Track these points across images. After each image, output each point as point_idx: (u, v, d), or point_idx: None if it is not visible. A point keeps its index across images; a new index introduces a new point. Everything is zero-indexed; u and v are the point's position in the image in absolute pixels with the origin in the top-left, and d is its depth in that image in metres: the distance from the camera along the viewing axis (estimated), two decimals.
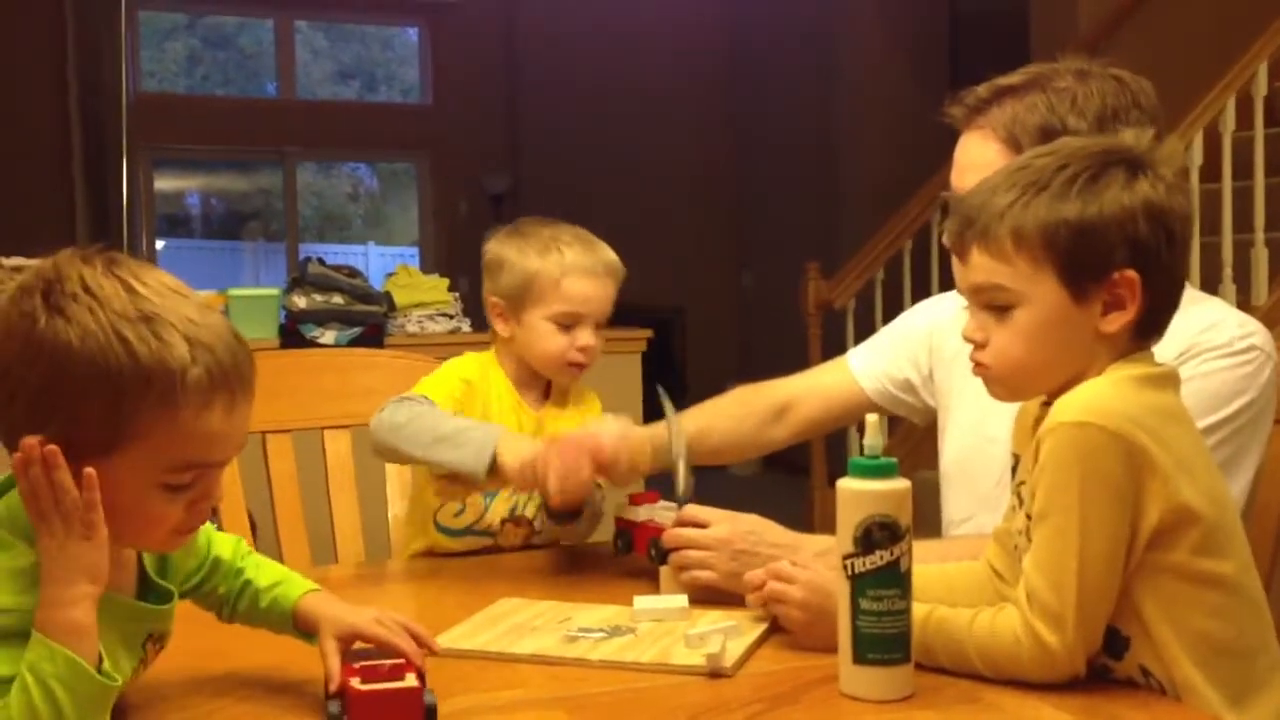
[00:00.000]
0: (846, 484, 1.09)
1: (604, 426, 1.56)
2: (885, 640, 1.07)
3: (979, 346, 1.15)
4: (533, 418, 1.75)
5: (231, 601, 1.11)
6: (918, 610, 1.10)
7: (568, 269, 1.70)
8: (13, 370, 0.87)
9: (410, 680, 0.98)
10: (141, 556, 1.00)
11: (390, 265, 6.26)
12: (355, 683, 0.97)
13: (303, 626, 1.08)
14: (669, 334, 7.10)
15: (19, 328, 0.87)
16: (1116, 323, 1.10)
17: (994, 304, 1.12)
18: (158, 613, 1.00)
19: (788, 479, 5.58)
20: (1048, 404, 1.12)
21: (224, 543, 1.12)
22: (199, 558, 1.09)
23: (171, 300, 0.89)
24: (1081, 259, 1.08)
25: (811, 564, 1.22)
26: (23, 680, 0.85)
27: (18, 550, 0.89)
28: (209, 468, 0.92)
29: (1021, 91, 1.41)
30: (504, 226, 1.83)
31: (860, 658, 1.08)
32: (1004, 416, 1.52)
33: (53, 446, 0.86)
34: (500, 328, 1.75)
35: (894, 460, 1.09)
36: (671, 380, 3.31)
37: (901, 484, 1.08)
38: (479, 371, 1.74)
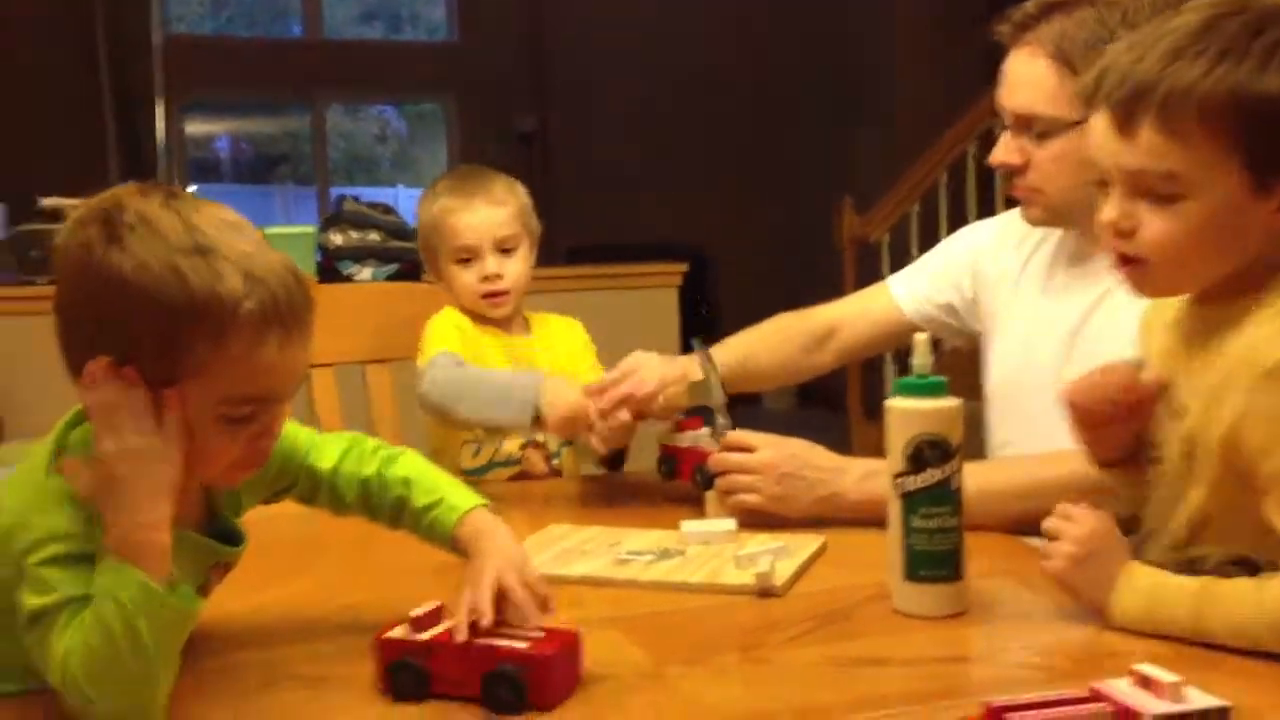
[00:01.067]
0: (895, 403, 1.09)
1: (643, 370, 1.57)
2: (937, 557, 1.08)
3: (1123, 235, 1.02)
4: (522, 343, 1.81)
5: (387, 515, 1.08)
6: (1190, 584, 0.98)
7: (443, 209, 1.79)
8: (74, 301, 0.89)
9: (434, 630, 0.92)
10: (210, 494, 1.00)
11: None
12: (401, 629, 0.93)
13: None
14: (699, 271, 7.07)
15: (77, 258, 0.88)
16: None
17: (1156, 191, 0.99)
18: (224, 552, 1.00)
19: (824, 413, 5.58)
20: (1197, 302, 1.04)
21: (328, 453, 1.08)
22: (291, 474, 1.07)
23: (228, 235, 0.89)
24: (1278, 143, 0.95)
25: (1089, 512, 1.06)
26: (98, 606, 0.84)
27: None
28: (266, 402, 0.92)
29: (1070, 6, 1.39)
30: None
31: (912, 575, 1.08)
32: (1049, 341, 1.52)
33: (129, 368, 0.87)
34: (434, 284, 1.86)
35: (943, 379, 1.09)
36: (702, 318, 3.29)
37: (951, 402, 1.08)
38: (456, 319, 1.79)
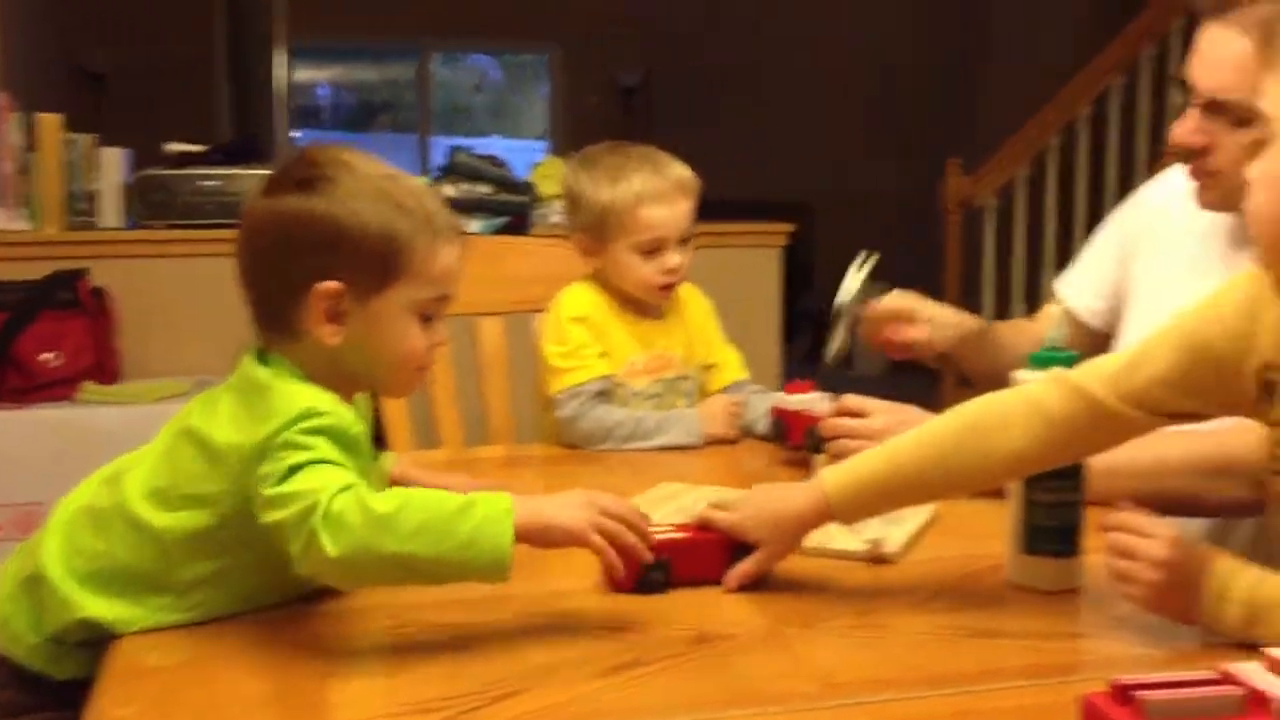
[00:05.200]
0: (1024, 376, 1.08)
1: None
2: (1056, 532, 1.08)
3: None
4: (654, 327, 1.80)
5: None
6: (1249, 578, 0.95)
7: (641, 197, 1.71)
8: (293, 235, 1.01)
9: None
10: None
11: (517, 159, 6.28)
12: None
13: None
14: (804, 230, 7.00)
15: (292, 200, 1.01)
16: None
17: None
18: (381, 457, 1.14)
19: (916, 379, 5.51)
20: None
21: None
22: None
23: (398, 170, 1.07)
24: None
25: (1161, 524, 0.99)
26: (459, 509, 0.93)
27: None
28: (445, 301, 1.08)
29: None
30: (575, 157, 1.84)
31: (1030, 548, 1.08)
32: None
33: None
34: (587, 262, 1.79)
35: (1075, 353, 1.08)
36: (799, 279, 3.20)
37: None
38: (590, 303, 1.77)
